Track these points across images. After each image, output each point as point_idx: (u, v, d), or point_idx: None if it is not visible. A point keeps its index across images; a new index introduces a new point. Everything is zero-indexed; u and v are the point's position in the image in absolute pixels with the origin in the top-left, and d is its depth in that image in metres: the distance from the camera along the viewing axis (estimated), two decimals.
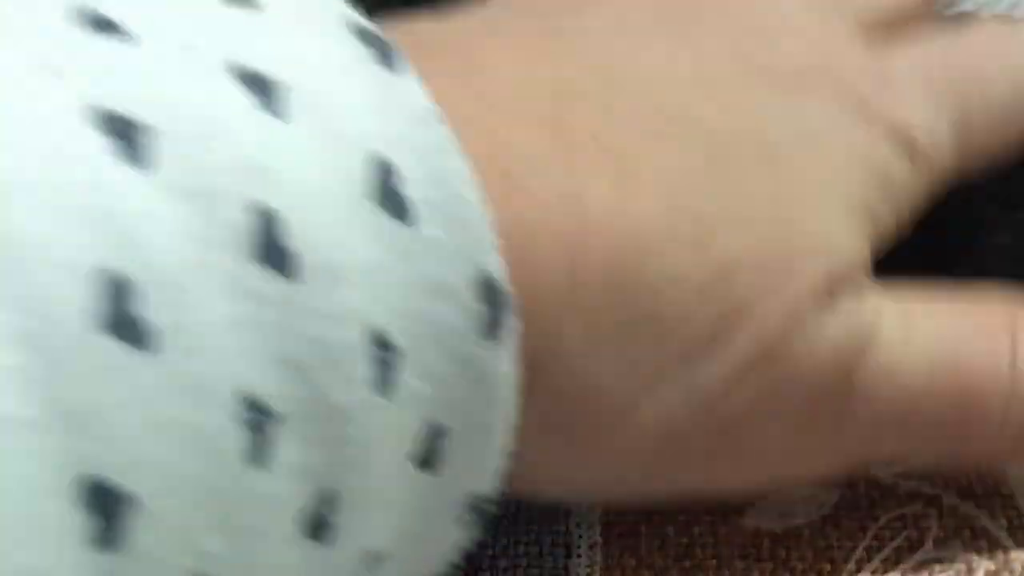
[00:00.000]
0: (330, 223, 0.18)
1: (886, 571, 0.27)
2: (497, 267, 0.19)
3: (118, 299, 0.15)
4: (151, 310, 0.16)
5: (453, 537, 0.22)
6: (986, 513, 0.28)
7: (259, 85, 0.18)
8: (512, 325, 0.20)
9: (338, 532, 0.19)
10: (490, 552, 0.27)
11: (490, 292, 0.19)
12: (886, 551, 0.27)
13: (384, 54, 0.19)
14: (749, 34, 0.25)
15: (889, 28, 0.27)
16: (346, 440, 0.18)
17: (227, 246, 0.17)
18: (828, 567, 0.27)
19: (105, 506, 0.15)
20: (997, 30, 0.27)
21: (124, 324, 0.15)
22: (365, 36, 0.19)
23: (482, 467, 0.21)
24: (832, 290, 0.23)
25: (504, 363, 0.20)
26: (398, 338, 0.18)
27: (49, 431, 0.15)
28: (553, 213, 0.21)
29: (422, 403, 0.19)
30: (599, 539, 0.27)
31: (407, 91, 0.19)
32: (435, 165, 0.19)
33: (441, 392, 0.19)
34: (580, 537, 0.27)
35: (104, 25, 0.17)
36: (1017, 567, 0.27)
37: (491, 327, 0.19)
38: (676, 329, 0.22)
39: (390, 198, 0.18)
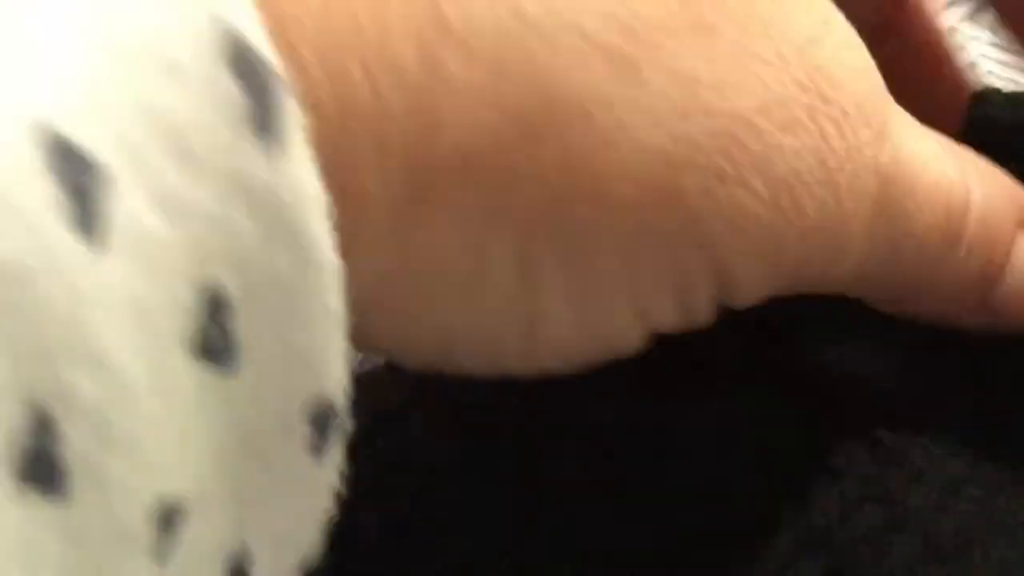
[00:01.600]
0: None
1: None
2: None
3: None
4: None
5: (298, 472, 0.16)
6: None
7: None
8: (291, 112, 0.14)
9: (68, 475, 0.13)
10: None
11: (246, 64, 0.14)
12: None
13: None
14: None
15: None
16: (42, 314, 0.12)
17: None
18: None
19: None
20: None
21: None
22: None
23: (308, 355, 0.15)
24: None
25: (302, 180, 0.14)
26: (102, 149, 0.13)
27: None
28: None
29: (166, 249, 0.13)
30: None
31: None
32: None
33: (203, 230, 0.14)
34: None
35: None
36: None
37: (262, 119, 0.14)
38: None
39: None
